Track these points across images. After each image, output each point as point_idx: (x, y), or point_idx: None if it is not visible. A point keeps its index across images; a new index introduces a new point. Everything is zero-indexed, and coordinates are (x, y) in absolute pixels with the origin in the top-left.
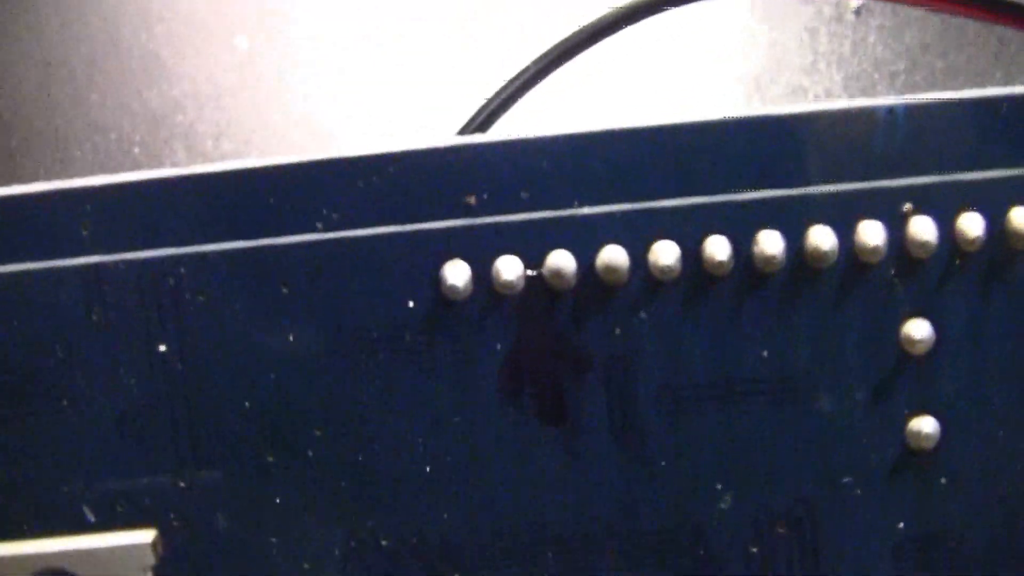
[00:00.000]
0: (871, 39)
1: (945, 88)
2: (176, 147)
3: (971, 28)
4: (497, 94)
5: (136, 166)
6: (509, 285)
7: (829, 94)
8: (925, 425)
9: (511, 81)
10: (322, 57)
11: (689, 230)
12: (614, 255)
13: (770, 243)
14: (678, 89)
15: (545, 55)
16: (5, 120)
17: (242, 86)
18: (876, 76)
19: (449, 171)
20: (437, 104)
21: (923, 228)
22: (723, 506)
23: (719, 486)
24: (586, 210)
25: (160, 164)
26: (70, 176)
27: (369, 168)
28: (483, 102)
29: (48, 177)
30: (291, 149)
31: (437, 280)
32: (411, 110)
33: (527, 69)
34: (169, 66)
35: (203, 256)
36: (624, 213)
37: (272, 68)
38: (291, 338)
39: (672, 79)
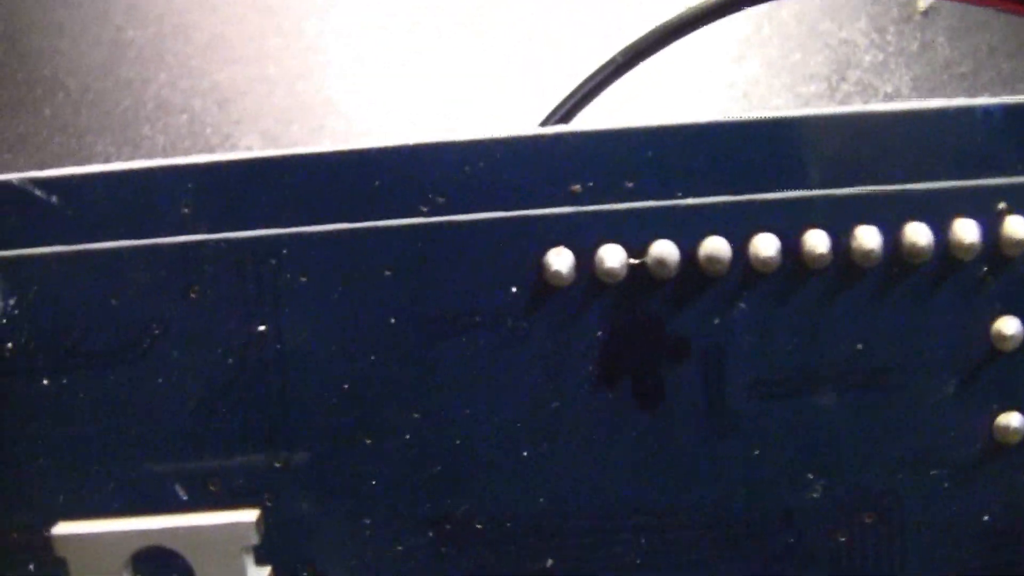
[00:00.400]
0: (940, 40)
1: (1013, 90)
2: (247, 129)
3: None
4: (582, 85)
5: (208, 148)
6: (612, 273)
7: (898, 93)
8: (1013, 420)
9: (595, 73)
10: (393, 42)
11: (789, 223)
12: (716, 246)
13: (868, 238)
14: (750, 86)
15: (630, 48)
16: (74, 100)
17: (310, 71)
18: (945, 77)
19: (555, 159)
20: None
21: (1017, 227)
22: (814, 495)
23: (810, 475)
24: (689, 201)
25: (234, 147)
26: (140, 157)
27: (476, 153)
28: (567, 93)
29: (119, 158)
30: (361, 137)
31: (541, 266)
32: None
33: (612, 61)
34: (237, 48)
35: (306, 237)
36: (726, 205)
37: (342, 53)
38: (392, 321)
39: (743, 77)
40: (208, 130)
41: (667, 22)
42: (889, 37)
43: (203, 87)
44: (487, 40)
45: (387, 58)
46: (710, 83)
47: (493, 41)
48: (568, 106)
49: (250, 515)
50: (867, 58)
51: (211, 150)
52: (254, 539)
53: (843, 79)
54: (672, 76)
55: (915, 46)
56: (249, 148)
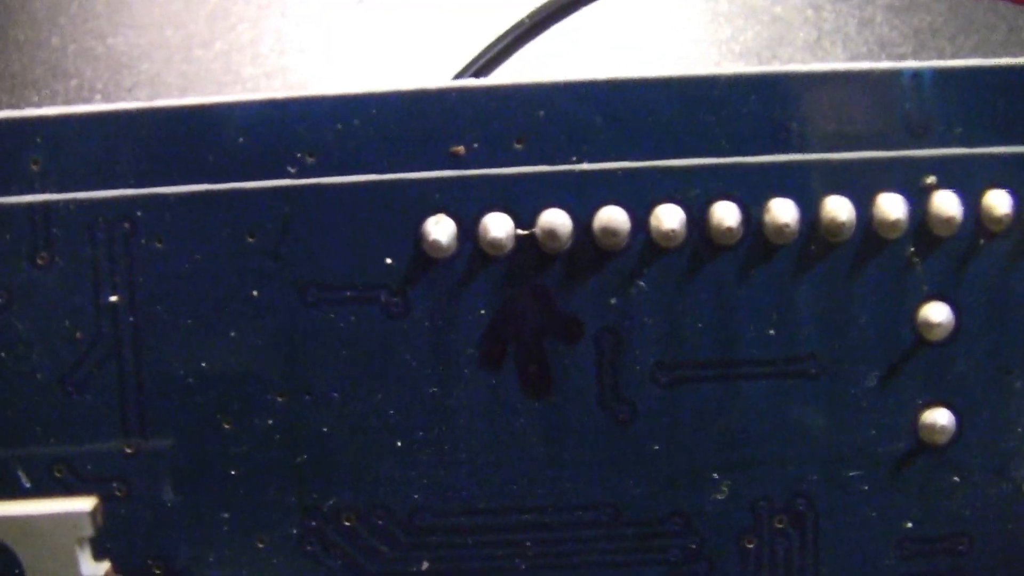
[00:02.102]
0: (878, 19)
1: None
2: (140, 96)
3: (980, 12)
4: (499, 40)
5: None
6: (497, 244)
7: None
8: (939, 417)
9: (502, 36)
10: (298, 8)
11: (696, 193)
12: (613, 216)
13: (783, 211)
14: (676, 63)
15: (539, 10)
16: None
17: (212, 37)
18: (883, 57)
19: (438, 117)
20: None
21: (947, 203)
22: (718, 496)
23: (715, 475)
24: (585, 166)
25: None
26: None
27: (350, 109)
28: (483, 48)
29: None
30: None
31: (419, 236)
32: (389, 66)
33: (520, 23)
34: (136, 12)
35: (163, 199)
36: (626, 171)
37: (245, 19)
38: (255, 293)
39: (671, 53)
40: (98, 97)
41: None
42: (825, 14)
43: (97, 52)
44: (399, 12)
45: (293, 28)
46: (634, 58)
47: (404, 12)
48: (473, 70)
49: (85, 504)
50: (801, 35)
51: None
52: (89, 530)
53: (775, 56)
54: (593, 49)
55: (852, 24)
56: None
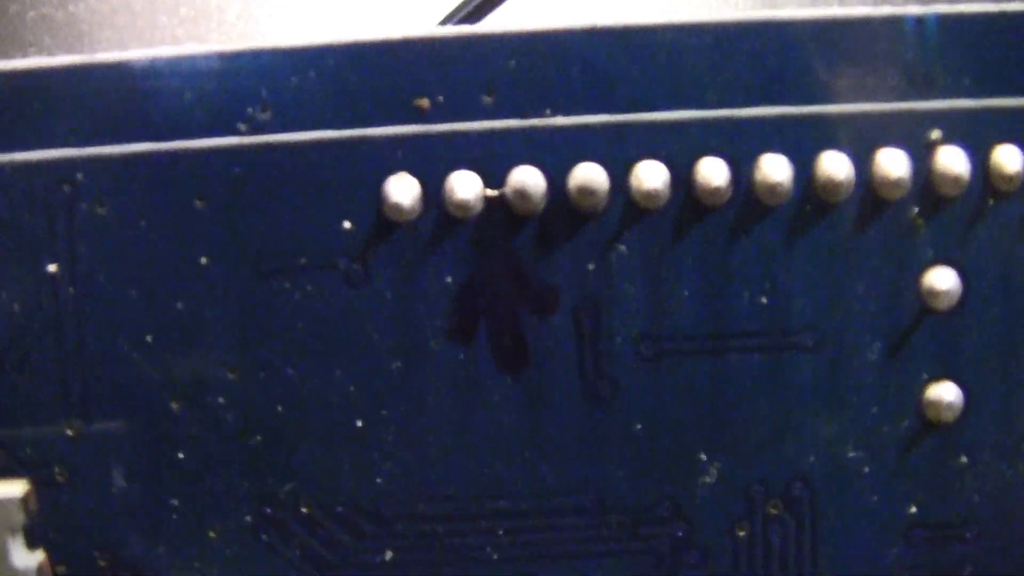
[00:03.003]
0: None
1: None
2: None
3: None
4: (461, 6)
5: None
6: (464, 205)
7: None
8: (946, 393)
9: None
10: None
11: (680, 149)
12: (590, 175)
13: (775, 169)
14: (665, 9)
15: None
16: None
17: (177, 3)
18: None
19: (399, 68)
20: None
21: (953, 160)
22: (707, 479)
23: (703, 456)
24: (559, 120)
25: None
26: None
27: (305, 61)
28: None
29: None
30: None
31: (379, 197)
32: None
33: None
34: None
35: (104, 160)
36: (604, 126)
37: None
38: (204, 261)
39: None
40: None
41: None
42: None
43: (57, 19)
44: None
45: None
46: (620, 7)
47: None
48: (467, 9)
49: (15, 489)
50: None
51: None
52: (19, 518)
53: (772, 6)
54: (584, 8)
55: None
56: None
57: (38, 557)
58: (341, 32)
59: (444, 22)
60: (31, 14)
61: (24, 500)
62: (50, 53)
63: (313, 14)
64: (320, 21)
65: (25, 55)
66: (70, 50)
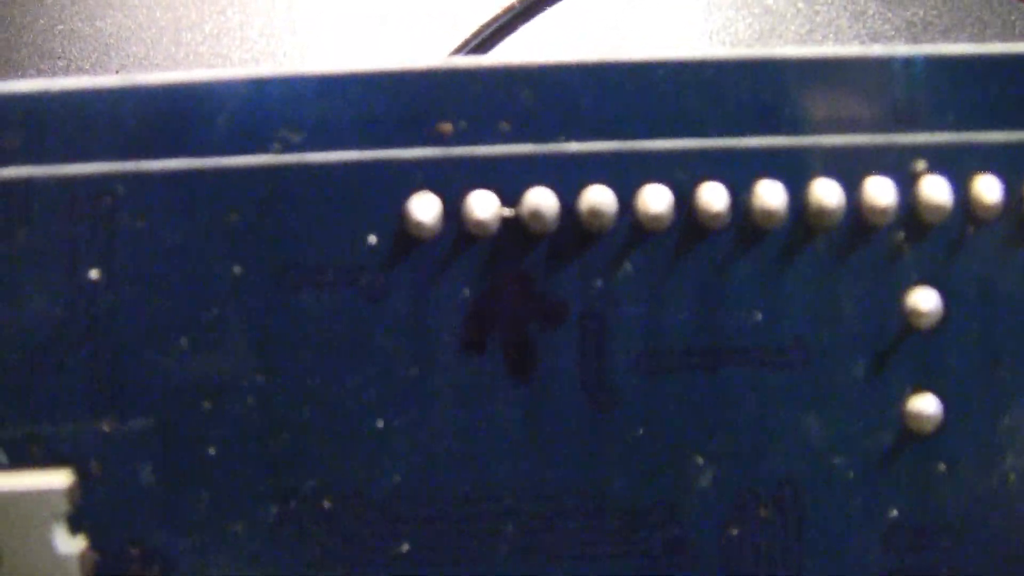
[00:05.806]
0: (870, 11)
1: None
2: None
3: (974, 6)
4: (489, 23)
5: None
6: (482, 224)
7: None
8: (926, 405)
9: (489, 22)
10: None
11: (683, 175)
12: (600, 197)
13: (771, 195)
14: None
15: None
16: None
17: (201, 19)
18: None
19: (424, 95)
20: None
21: (936, 189)
22: (702, 483)
23: (699, 461)
24: (572, 146)
25: None
26: None
27: (335, 87)
28: (473, 31)
29: None
30: None
31: (402, 215)
32: (381, 49)
33: (511, 7)
34: None
35: (144, 175)
36: (613, 152)
37: (234, 2)
38: (236, 271)
39: (660, 40)
40: None
41: None
42: (817, 6)
43: (85, 33)
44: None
45: (283, 11)
46: (624, 48)
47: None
48: (463, 53)
49: (61, 479)
50: (792, 27)
51: None
52: (65, 507)
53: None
54: (582, 34)
55: (844, 17)
56: None
57: (80, 544)
58: (361, 53)
59: (456, 52)
60: (59, 27)
61: (70, 491)
62: (78, 66)
63: (333, 32)
64: (340, 39)
65: (53, 67)
66: (97, 63)
